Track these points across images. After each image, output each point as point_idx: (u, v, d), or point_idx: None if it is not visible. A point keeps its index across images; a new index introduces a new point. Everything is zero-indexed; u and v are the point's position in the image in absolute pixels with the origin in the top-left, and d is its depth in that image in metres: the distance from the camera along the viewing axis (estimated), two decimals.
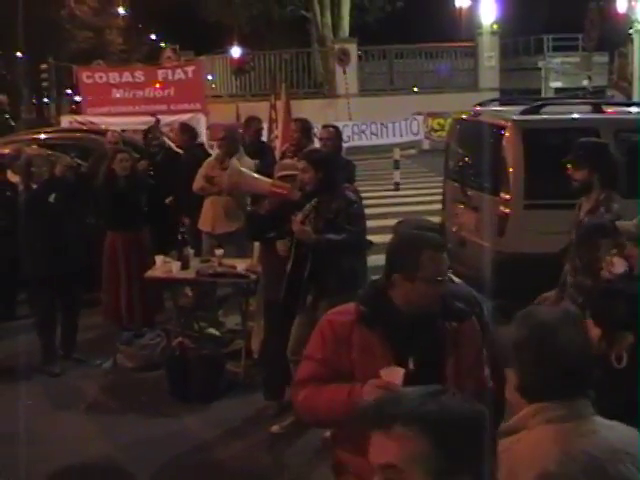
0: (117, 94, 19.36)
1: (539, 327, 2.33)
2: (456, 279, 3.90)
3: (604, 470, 2.17)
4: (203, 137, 14.46)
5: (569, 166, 5.35)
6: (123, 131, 11.78)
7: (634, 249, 3.86)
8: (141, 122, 13.85)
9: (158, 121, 11.86)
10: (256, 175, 6.92)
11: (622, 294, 2.98)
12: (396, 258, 3.08)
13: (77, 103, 25.20)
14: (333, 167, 5.95)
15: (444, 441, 1.56)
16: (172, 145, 10.47)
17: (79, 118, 17.74)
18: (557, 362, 2.26)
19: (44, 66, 26.93)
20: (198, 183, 8.38)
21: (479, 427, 1.64)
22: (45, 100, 31.61)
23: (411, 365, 3.01)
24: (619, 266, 3.18)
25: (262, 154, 9.42)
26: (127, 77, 19.61)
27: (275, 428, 6.14)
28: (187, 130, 9.93)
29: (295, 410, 3.05)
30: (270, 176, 6.67)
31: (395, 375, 2.89)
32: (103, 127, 12.54)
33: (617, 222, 4.38)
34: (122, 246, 8.14)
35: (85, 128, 14.18)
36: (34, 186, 7.70)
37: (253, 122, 10.08)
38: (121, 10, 40.97)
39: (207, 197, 8.42)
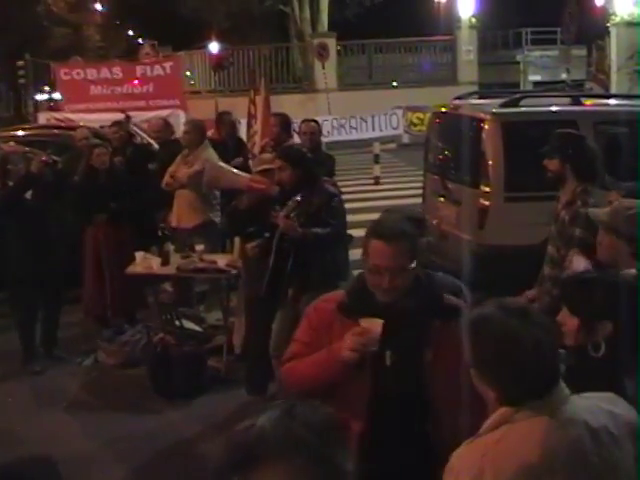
0: (95, 90, 19.30)
1: (474, 325, 2.34)
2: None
3: (587, 459, 2.18)
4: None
5: (544, 157, 5.38)
6: (101, 127, 11.72)
7: (605, 237, 3.86)
8: (120, 118, 13.79)
9: (128, 118, 11.79)
10: (235, 170, 6.92)
11: (599, 282, 2.99)
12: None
13: (55, 100, 25.06)
14: (311, 162, 5.93)
15: (321, 456, 1.50)
16: (150, 140, 10.44)
17: (57, 115, 17.65)
18: (524, 365, 2.23)
19: (21, 63, 26.71)
20: (164, 179, 8.40)
21: (340, 426, 1.60)
22: (22, 97, 31.37)
23: (388, 360, 3.01)
24: (578, 264, 3.17)
25: (239, 149, 9.43)
26: (105, 73, 19.55)
27: None
28: (163, 126, 9.90)
29: (282, 384, 3.07)
30: (246, 171, 6.67)
31: (375, 325, 2.91)
32: (81, 124, 12.47)
33: (589, 210, 4.38)
34: (103, 241, 8.10)
35: (63, 125, 14.09)
36: (10, 183, 7.64)
37: (225, 117, 10.10)
38: (98, 6, 40.68)
39: (173, 193, 8.43)
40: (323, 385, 3.05)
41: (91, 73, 19.51)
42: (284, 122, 8.38)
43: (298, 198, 5.65)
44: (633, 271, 3.54)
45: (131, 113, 13.14)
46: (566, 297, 3.09)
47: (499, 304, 2.33)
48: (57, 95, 22.14)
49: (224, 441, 1.57)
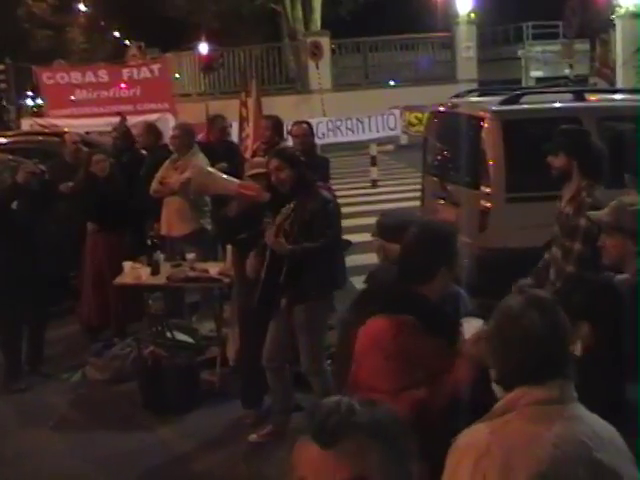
0: (80, 95, 19.28)
1: (501, 315, 2.48)
2: None
3: (592, 456, 2.22)
4: None
5: (548, 154, 5.38)
6: (87, 133, 11.72)
7: (609, 239, 3.88)
8: (106, 123, 13.78)
9: (124, 118, 11.77)
10: (224, 175, 6.92)
11: (581, 283, 3.06)
12: (440, 251, 3.27)
13: (38, 105, 25.04)
14: (304, 166, 5.94)
15: (393, 442, 1.59)
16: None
17: (40, 121, 17.62)
18: (521, 346, 2.37)
19: (1, 67, 26.72)
20: (152, 186, 8.35)
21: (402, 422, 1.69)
22: (4, 103, 31.36)
23: None
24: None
25: (230, 154, 9.41)
26: (90, 77, 19.53)
27: (253, 437, 6.12)
28: (151, 130, 9.89)
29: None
30: (240, 176, 6.66)
31: (475, 326, 3.12)
32: (66, 130, 12.46)
33: (590, 213, 4.40)
34: (104, 249, 8.11)
35: (47, 131, 14.08)
36: None
37: (217, 120, 10.08)
38: (82, 7, 40.73)
39: (162, 200, 8.40)
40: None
41: (75, 77, 19.49)
42: (276, 125, 8.39)
43: (291, 206, 5.64)
44: (625, 275, 3.59)
45: (117, 118, 13.11)
46: (554, 295, 3.16)
47: (527, 294, 2.52)
48: (40, 100, 22.12)
49: (309, 409, 1.64)
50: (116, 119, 12.74)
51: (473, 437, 2.32)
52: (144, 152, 9.84)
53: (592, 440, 2.25)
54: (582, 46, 29.99)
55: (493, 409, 2.39)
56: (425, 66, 28.81)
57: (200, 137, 11.49)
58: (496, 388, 2.51)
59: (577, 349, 2.98)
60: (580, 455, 2.21)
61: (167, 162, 8.44)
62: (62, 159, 9.34)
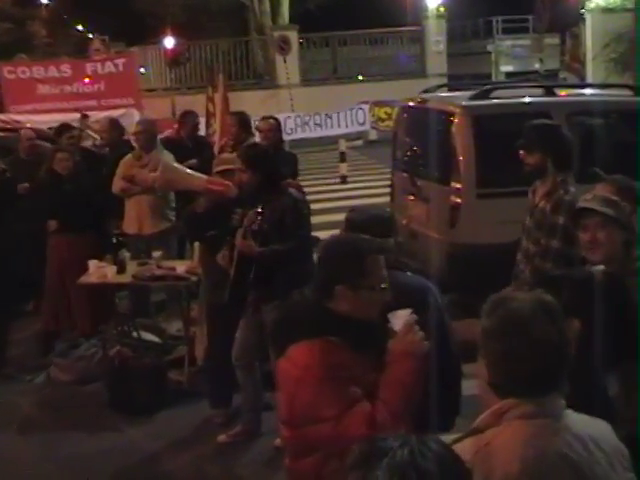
0: (43, 90, 19.06)
1: (510, 317, 2.28)
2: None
3: (578, 470, 2.19)
4: None
5: (521, 150, 5.42)
6: (50, 129, 11.61)
7: (601, 232, 3.92)
8: (70, 119, 13.68)
9: (85, 116, 11.65)
10: (190, 171, 6.90)
11: (566, 280, 3.05)
12: (337, 268, 3.06)
13: None
14: (273, 163, 5.95)
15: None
16: (97, 139, 10.39)
17: (1, 116, 17.43)
18: (528, 357, 2.22)
19: None
20: (117, 184, 8.28)
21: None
22: None
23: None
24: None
25: (200, 150, 9.40)
26: (53, 71, 19.33)
27: (222, 437, 6.13)
28: (114, 126, 9.84)
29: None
30: (210, 172, 6.65)
31: (403, 316, 3.02)
32: (28, 125, 12.34)
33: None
34: (67, 249, 7.98)
35: (8, 127, 13.94)
36: None
37: (189, 116, 10.04)
38: None
39: (128, 198, 8.34)
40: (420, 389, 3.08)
41: (38, 71, 19.28)
42: (242, 120, 8.38)
43: (259, 209, 5.64)
44: (601, 267, 3.63)
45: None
46: None
47: (534, 296, 2.34)
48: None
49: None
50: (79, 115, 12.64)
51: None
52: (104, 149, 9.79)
53: (580, 454, 2.21)
54: (552, 40, 30.26)
55: (479, 420, 2.31)
56: (403, 62, 28.84)
57: (169, 132, 11.44)
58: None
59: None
60: (561, 470, 2.18)
61: (127, 159, 8.37)
62: (18, 155, 9.28)
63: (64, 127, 9.98)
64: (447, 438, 2.21)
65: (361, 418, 2.90)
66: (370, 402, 2.95)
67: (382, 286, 3.05)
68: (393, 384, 2.98)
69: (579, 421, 2.31)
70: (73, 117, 12.53)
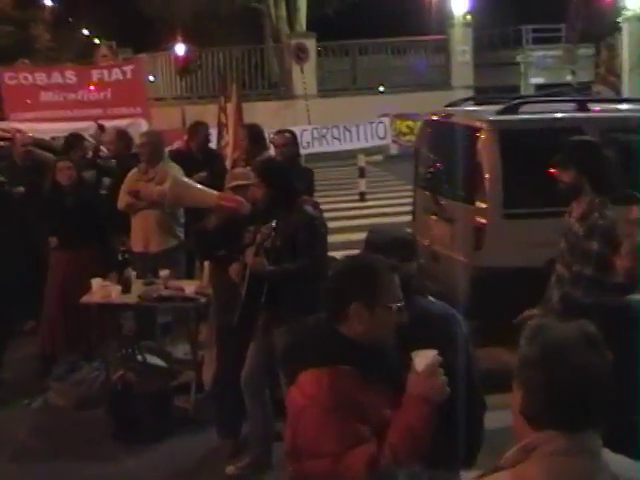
0: (45, 97, 19.18)
1: (553, 345, 2.25)
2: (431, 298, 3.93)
3: None
4: None
5: (556, 167, 5.40)
6: (52, 139, 11.68)
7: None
8: (74, 128, 13.76)
9: (101, 128, 11.64)
10: (200, 186, 6.92)
11: (598, 308, 3.04)
12: (351, 284, 3.08)
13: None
14: (288, 179, 5.96)
15: None
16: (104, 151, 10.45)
17: (2, 125, 17.56)
18: (568, 388, 2.20)
19: None
20: (123, 200, 8.30)
21: None
22: None
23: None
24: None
25: (211, 163, 9.43)
26: (57, 78, 19.44)
27: (230, 469, 6.11)
28: (122, 137, 9.87)
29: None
30: (221, 187, 6.68)
31: (428, 357, 2.97)
32: (30, 135, 12.43)
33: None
34: (68, 267, 8.00)
35: (8, 136, 14.05)
36: None
37: (200, 127, 10.07)
38: (48, 1, 40.66)
39: (135, 214, 8.36)
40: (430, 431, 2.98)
41: (40, 77, 19.40)
42: (254, 134, 8.33)
43: (273, 224, 5.67)
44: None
45: (86, 123, 13.09)
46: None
47: (580, 325, 2.30)
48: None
49: None
50: (85, 124, 12.71)
51: None
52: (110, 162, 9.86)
53: None
54: (586, 51, 30.27)
55: (507, 456, 2.29)
56: (420, 69, 28.88)
57: (178, 144, 11.49)
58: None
59: None
60: None
61: (132, 173, 8.41)
62: (14, 161, 9.37)
63: (75, 138, 10.01)
64: (468, 476, 2.19)
65: (364, 460, 2.87)
66: (379, 441, 2.92)
67: (398, 305, 3.06)
68: (403, 430, 2.94)
69: (617, 462, 2.28)
70: (77, 126, 12.62)
